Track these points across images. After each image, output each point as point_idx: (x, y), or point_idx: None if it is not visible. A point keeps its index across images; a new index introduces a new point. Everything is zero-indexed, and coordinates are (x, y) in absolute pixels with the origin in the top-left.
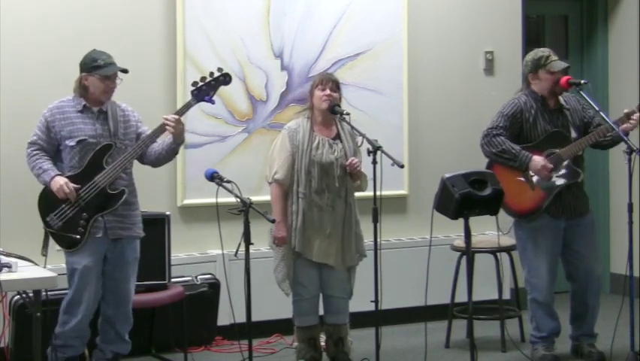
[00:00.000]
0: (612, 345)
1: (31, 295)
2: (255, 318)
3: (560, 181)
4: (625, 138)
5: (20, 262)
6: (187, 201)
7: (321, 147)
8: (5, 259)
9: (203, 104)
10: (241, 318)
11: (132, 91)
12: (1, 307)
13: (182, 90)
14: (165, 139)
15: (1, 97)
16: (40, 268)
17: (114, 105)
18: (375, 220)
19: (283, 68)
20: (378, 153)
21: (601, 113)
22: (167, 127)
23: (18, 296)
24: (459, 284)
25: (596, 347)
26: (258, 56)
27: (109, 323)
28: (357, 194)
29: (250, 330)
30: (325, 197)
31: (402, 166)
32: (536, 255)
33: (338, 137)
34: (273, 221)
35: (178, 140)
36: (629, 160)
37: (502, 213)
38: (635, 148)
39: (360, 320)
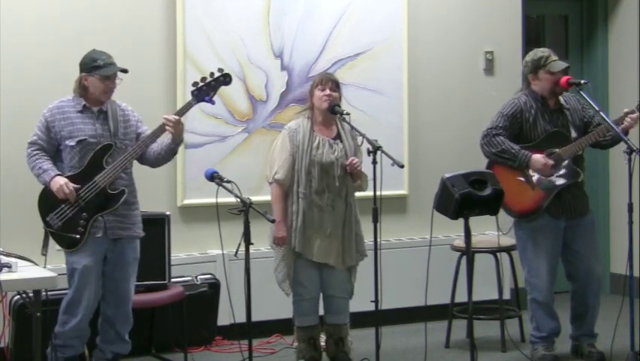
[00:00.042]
0: (612, 345)
1: (31, 295)
2: (255, 318)
3: (559, 181)
4: (625, 138)
5: (20, 262)
6: (187, 201)
7: (321, 147)
8: (5, 259)
9: (203, 104)
10: (241, 318)
11: (132, 91)
12: (1, 307)
13: (182, 90)
14: (164, 139)
15: (1, 97)
16: (40, 268)
17: (114, 105)
18: (375, 220)
19: (283, 68)
20: (378, 153)
21: (601, 113)
22: (167, 127)
23: (18, 296)
24: (459, 284)
25: (596, 347)
26: (258, 56)
27: (109, 323)
28: (357, 194)
29: (250, 330)
30: (325, 197)
31: (402, 166)
32: (536, 255)
33: (339, 137)
34: (273, 221)
35: (177, 140)
36: (629, 160)
37: (502, 213)
38: (635, 148)
39: (360, 320)
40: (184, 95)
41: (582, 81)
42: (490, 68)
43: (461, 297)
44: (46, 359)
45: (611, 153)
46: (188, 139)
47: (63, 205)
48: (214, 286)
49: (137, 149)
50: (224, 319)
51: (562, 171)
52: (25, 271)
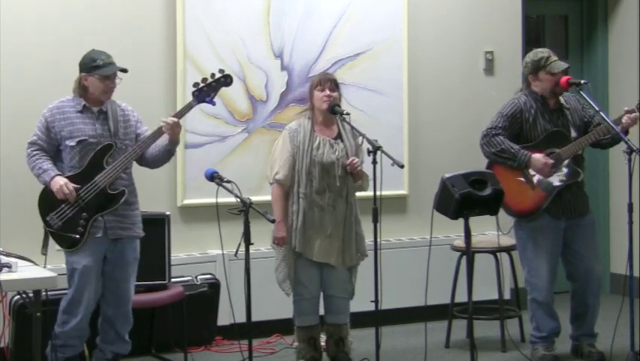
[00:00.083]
0: (612, 345)
1: (31, 295)
2: (255, 318)
3: (560, 181)
4: (625, 138)
5: (20, 262)
6: (187, 201)
7: (322, 147)
8: (5, 259)
9: (203, 104)
10: (241, 318)
11: (132, 91)
12: (1, 307)
13: (182, 90)
14: (161, 141)
15: (1, 97)
16: (40, 268)
17: (114, 105)
18: (375, 220)
19: (283, 68)
20: (378, 153)
21: (601, 113)
22: (164, 128)
23: (18, 296)
24: (459, 284)
25: (596, 347)
26: (258, 56)
27: (109, 323)
28: (357, 194)
29: (250, 330)
30: (326, 197)
31: (402, 166)
32: (536, 255)
33: (339, 137)
34: (273, 221)
35: (174, 141)
36: (629, 160)
37: (502, 213)
38: (635, 148)
39: (360, 320)
40: (184, 95)
41: (582, 81)
42: (490, 68)
43: (461, 297)
44: (46, 359)
45: (611, 153)
46: (188, 139)
47: (63, 205)
48: (214, 286)
49: (137, 149)
50: (224, 319)
51: (562, 171)
52: (25, 271)
